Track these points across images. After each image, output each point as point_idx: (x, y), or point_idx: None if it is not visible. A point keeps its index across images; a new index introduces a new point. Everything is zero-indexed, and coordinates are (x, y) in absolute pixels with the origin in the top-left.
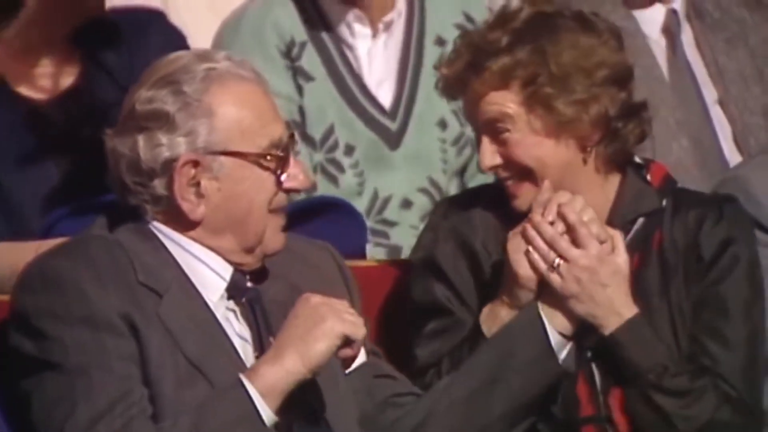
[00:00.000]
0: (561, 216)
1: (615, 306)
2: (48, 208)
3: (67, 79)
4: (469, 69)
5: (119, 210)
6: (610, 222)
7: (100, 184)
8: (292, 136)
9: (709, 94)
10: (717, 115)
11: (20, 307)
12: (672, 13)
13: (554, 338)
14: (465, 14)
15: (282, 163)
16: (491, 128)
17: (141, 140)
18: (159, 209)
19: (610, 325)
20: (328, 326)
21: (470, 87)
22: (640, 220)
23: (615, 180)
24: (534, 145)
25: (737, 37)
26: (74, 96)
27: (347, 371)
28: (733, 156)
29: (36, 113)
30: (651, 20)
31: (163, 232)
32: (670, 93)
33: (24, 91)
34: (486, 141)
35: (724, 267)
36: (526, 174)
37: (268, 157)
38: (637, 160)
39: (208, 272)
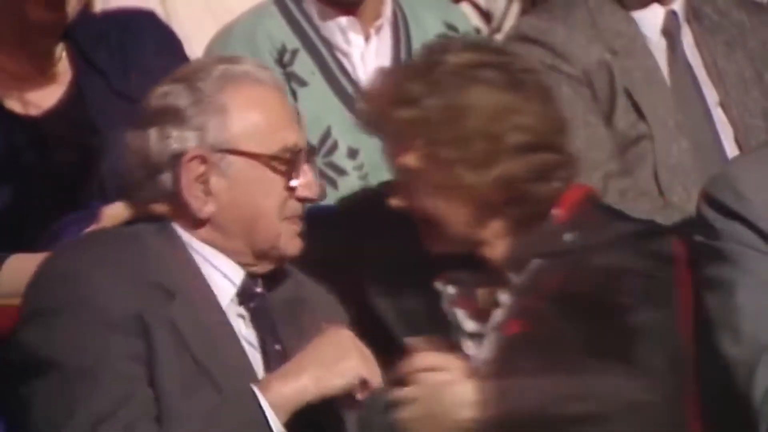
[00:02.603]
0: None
1: None
2: (49, 220)
3: (60, 88)
4: (381, 113)
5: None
6: (505, 267)
7: (100, 191)
8: (312, 150)
9: (711, 95)
10: (719, 117)
11: (32, 301)
12: (672, 15)
13: None
14: (446, 24)
15: (292, 168)
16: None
17: (152, 133)
18: (167, 207)
19: None
20: (353, 365)
21: (381, 130)
22: (535, 263)
23: None
24: (432, 202)
25: (736, 40)
26: (68, 105)
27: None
28: None
29: (32, 129)
30: (651, 22)
31: (178, 232)
32: (670, 95)
33: (17, 108)
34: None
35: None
36: (428, 222)
37: (278, 161)
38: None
39: (219, 276)
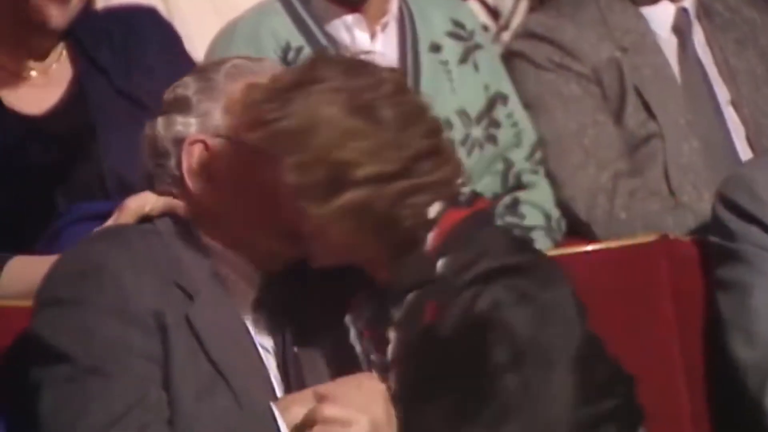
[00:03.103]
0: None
1: None
2: (49, 219)
3: (60, 87)
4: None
5: None
6: (387, 299)
7: (100, 191)
8: None
9: (722, 94)
10: (730, 115)
11: (49, 291)
12: (682, 12)
13: None
14: (453, 21)
15: None
16: None
17: (159, 122)
18: (179, 192)
19: None
20: (369, 421)
21: None
22: (411, 296)
23: None
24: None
25: (747, 37)
26: (69, 104)
27: None
28: (746, 157)
29: (32, 128)
30: (661, 19)
31: (198, 233)
32: (680, 93)
33: (17, 107)
34: None
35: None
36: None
37: None
38: (432, 213)
39: (236, 278)
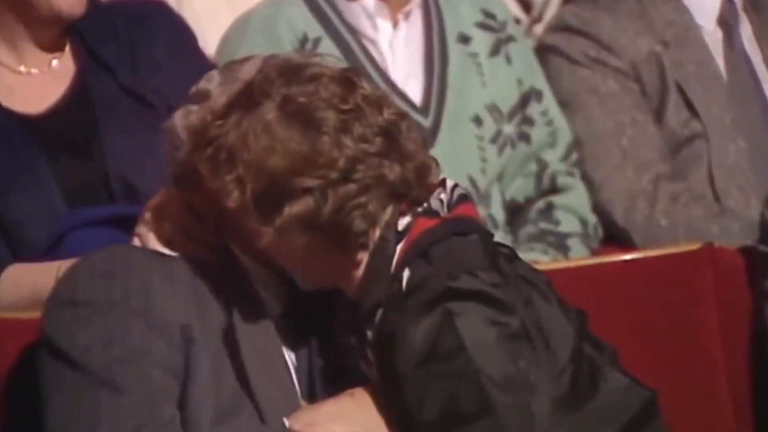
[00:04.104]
0: None
1: None
2: (51, 224)
3: (62, 85)
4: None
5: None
6: (361, 317)
7: (104, 194)
8: None
9: None
10: None
11: (66, 291)
12: (729, 4)
13: None
14: (484, 11)
15: None
16: None
17: (179, 113)
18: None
19: None
20: None
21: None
22: (379, 313)
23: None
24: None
25: None
26: (71, 103)
27: None
28: None
29: (32, 129)
30: (706, 11)
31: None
32: (726, 90)
33: (16, 106)
34: None
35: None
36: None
37: None
38: (402, 224)
39: (266, 292)
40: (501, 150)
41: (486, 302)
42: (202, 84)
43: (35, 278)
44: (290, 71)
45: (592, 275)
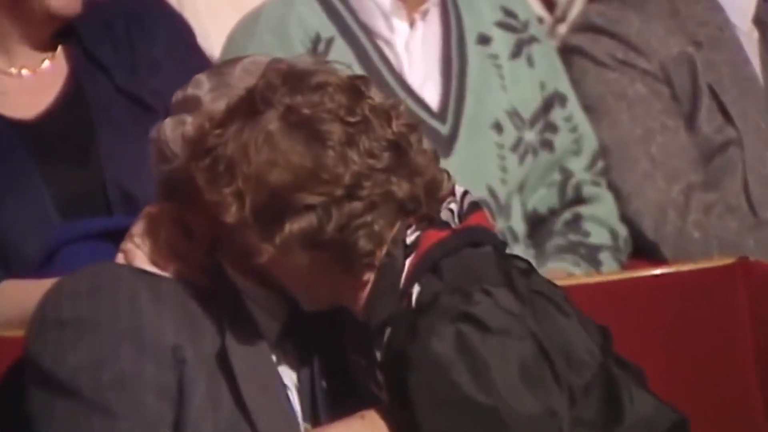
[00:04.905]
0: None
1: None
2: (43, 236)
3: (55, 87)
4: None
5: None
6: (369, 336)
7: (101, 204)
8: None
9: None
10: None
11: (52, 310)
12: (765, 3)
13: None
14: (504, 9)
15: None
16: None
17: (167, 124)
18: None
19: None
20: None
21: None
22: (388, 331)
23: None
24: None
25: None
26: (65, 106)
27: None
28: None
29: (23, 134)
30: (741, 9)
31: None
32: (763, 94)
33: (6, 111)
34: None
35: None
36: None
37: None
38: (410, 238)
39: (262, 312)
40: (522, 158)
41: (501, 331)
42: (191, 90)
43: (28, 295)
44: (295, 78)
45: (621, 290)
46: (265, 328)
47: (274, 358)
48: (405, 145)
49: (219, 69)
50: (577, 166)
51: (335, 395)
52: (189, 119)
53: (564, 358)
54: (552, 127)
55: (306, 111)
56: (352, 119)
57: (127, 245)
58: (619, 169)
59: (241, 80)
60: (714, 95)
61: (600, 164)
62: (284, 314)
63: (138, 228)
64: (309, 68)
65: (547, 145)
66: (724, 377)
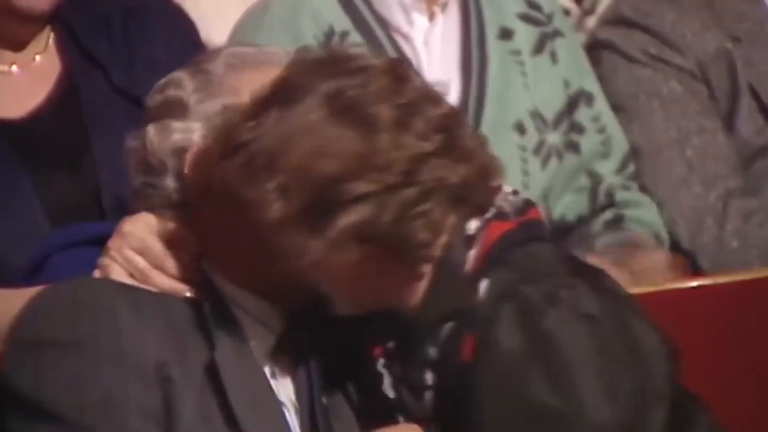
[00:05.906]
0: None
1: None
2: (34, 243)
3: (46, 85)
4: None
5: None
6: (419, 334)
7: (95, 211)
8: None
9: None
10: None
11: (28, 330)
12: None
13: None
14: (528, 2)
15: None
16: None
17: (150, 130)
18: (177, 215)
19: None
20: None
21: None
22: (447, 327)
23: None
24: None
25: None
26: (57, 106)
27: None
28: None
29: (12, 135)
30: None
31: (211, 274)
32: None
33: None
34: None
35: None
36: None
37: None
38: (471, 229)
39: (255, 324)
40: (545, 162)
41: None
42: (172, 92)
43: (15, 306)
44: (333, 63)
45: (656, 303)
46: (258, 341)
47: (267, 371)
48: (455, 127)
49: (198, 66)
50: (606, 169)
51: (334, 414)
52: (175, 125)
53: (636, 361)
54: (578, 128)
55: (351, 94)
56: (400, 101)
57: (104, 260)
58: (651, 174)
59: (227, 77)
60: (755, 95)
61: (631, 168)
62: (280, 326)
63: (115, 242)
64: (346, 53)
65: (573, 147)
66: (765, 393)
